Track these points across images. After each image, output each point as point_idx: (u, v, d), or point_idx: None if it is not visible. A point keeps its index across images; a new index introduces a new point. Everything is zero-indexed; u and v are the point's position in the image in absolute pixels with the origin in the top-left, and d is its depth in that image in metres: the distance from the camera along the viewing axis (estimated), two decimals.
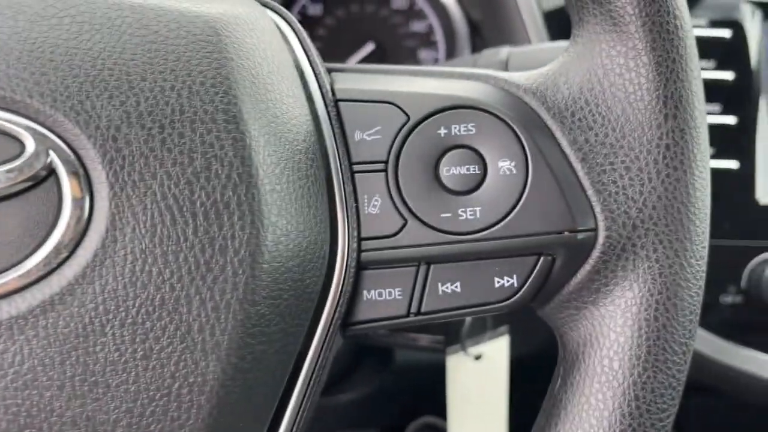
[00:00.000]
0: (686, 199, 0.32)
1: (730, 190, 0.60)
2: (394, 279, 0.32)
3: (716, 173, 0.60)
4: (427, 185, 0.32)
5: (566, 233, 0.32)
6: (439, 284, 0.32)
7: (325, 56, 0.86)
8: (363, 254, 0.32)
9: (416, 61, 0.80)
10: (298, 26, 0.35)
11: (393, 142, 0.32)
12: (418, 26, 0.80)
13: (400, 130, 0.33)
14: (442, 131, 0.32)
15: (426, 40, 0.79)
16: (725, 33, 0.62)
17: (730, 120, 0.61)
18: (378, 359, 0.72)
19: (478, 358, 0.55)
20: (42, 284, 0.26)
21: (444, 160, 0.32)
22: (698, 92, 0.32)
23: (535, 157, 0.32)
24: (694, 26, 0.63)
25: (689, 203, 0.32)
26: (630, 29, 0.31)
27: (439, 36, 0.79)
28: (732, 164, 0.61)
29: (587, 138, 0.32)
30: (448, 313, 0.33)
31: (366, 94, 0.33)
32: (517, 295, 0.32)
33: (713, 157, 0.60)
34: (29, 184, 0.27)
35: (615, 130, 0.32)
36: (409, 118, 0.33)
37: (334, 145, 0.32)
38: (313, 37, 0.79)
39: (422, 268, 0.32)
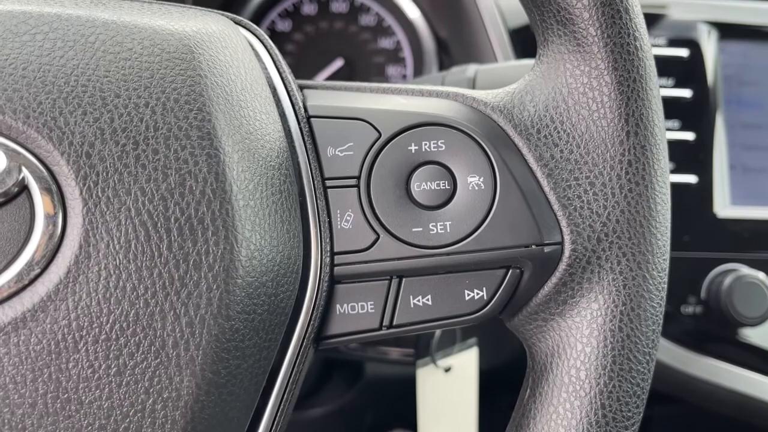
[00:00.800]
0: (648, 213, 0.33)
1: (690, 203, 0.62)
2: (366, 293, 0.33)
3: (676, 187, 0.62)
4: (399, 200, 0.33)
5: (533, 246, 0.32)
6: (411, 297, 0.33)
7: (294, 72, 0.87)
8: (336, 268, 0.32)
9: (384, 76, 0.81)
10: (270, 43, 0.36)
11: (365, 158, 0.33)
12: (386, 43, 0.81)
13: (372, 146, 0.33)
14: (413, 147, 0.33)
15: (394, 56, 0.81)
16: (683, 52, 0.64)
17: (689, 136, 0.63)
18: (348, 373, 0.72)
19: (447, 370, 0.56)
20: (14, 301, 0.26)
21: (415, 175, 0.33)
22: (658, 110, 0.34)
23: (503, 173, 0.33)
24: (653, 45, 0.65)
25: (651, 217, 0.33)
26: (593, 50, 0.33)
27: (407, 52, 0.80)
28: (691, 179, 0.63)
29: (552, 154, 0.33)
30: (420, 326, 0.33)
31: (338, 111, 0.34)
32: (487, 307, 0.33)
33: (673, 172, 0.62)
34: (1, 200, 0.27)
35: (579, 147, 0.33)
36: (380, 135, 0.33)
37: (307, 161, 0.33)
38: (282, 53, 0.79)
39: (394, 282, 0.33)
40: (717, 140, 0.64)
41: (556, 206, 0.33)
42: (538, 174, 0.33)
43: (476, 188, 0.33)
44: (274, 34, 0.79)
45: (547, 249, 0.33)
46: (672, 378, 0.61)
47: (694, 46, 0.65)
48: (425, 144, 0.33)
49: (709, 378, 0.61)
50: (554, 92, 0.34)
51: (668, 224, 0.34)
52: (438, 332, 0.57)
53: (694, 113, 0.64)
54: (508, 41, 0.64)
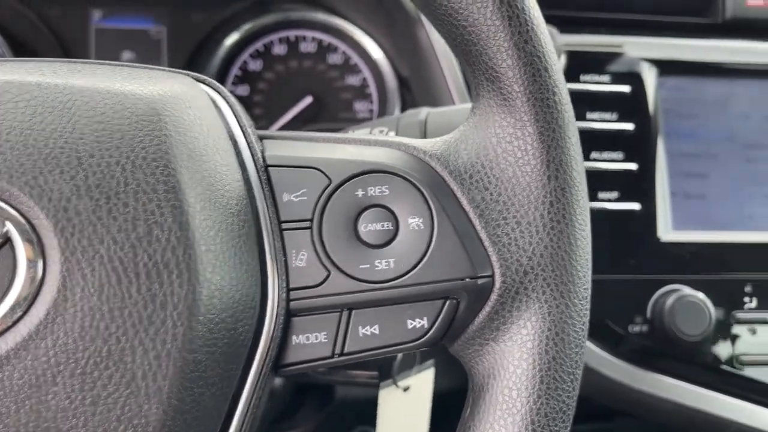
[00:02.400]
0: (569, 248, 0.37)
1: (634, 229, 0.67)
2: (319, 324, 0.37)
3: (621, 214, 0.67)
4: (348, 240, 0.37)
5: (467, 280, 0.36)
6: (360, 327, 0.37)
7: (266, 109, 0.91)
8: (292, 303, 0.36)
9: (352, 112, 0.85)
10: (232, 100, 0.39)
11: (317, 202, 0.37)
12: (353, 80, 0.85)
13: (324, 192, 0.37)
14: (360, 192, 0.37)
15: (361, 92, 0.85)
16: (625, 88, 0.69)
17: (632, 166, 0.68)
18: (320, 396, 0.75)
19: (406, 389, 0.59)
20: None
21: (362, 217, 0.37)
22: (576, 156, 0.38)
23: (440, 215, 0.37)
24: (598, 82, 0.70)
25: (571, 251, 0.37)
26: (517, 104, 0.37)
27: (372, 89, 0.84)
28: (635, 206, 0.67)
29: (483, 197, 0.37)
30: (368, 353, 0.37)
31: (293, 161, 0.38)
32: (428, 335, 0.37)
33: (617, 200, 0.67)
34: None
35: (507, 190, 0.37)
36: (331, 182, 0.37)
37: (265, 207, 0.37)
38: (254, 92, 0.84)
39: (344, 314, 0.37)
40: (659, 169, 0.69)
41: (487, 243, 0.37)
42: (471, 215, 0.37)
43: (416, 228, 0.37)
44: (246, 74, 0.83)
45: (479, 281, 0.36)
46: (621, 394, 0.65)
47: (635, 82, 0.70)
48: (371, 189, 0.37)
49: (656, 392, 0.65)
50: (485, 141, 0.38)
51: (588, 257, 0.38)
52: (399, 355, 0.61)
53: (637, 145, 0.68)
54: (462, 81, 0.69)
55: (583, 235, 0.38)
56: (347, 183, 0.37)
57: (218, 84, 0.40)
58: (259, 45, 0.84)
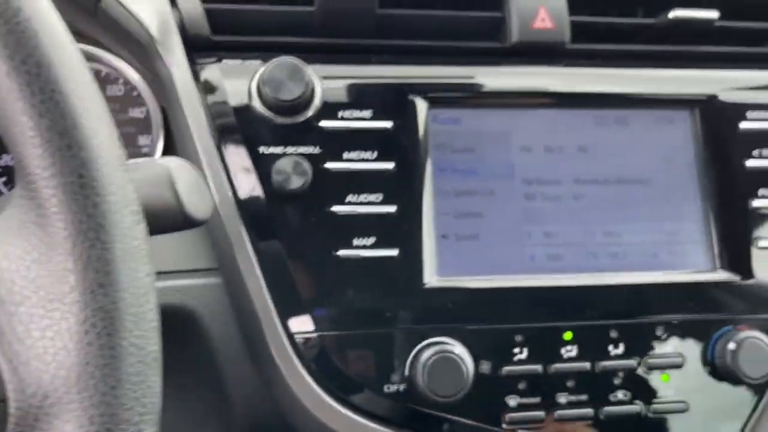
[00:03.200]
0: (101, 362, 0.31)
1: (393, 277, 0.61)
2: None
3: (377, 261, 0.61)
4: None
5: None
6: None
7: None
8: None
9: (136, 147, 0.78)
10: None
11: None
12: (136, 113, 0.78)
13: None
14: None
15: (146, 126, 0.78)
16: (387, 124, 0.63)
17: (391, 209, 0.62)
18: None
19: None
20: None
21: None
22: (117, 247, 0.32)
23: None
24: (358, 118, 0.64)
25: (106, 367, 0.31)
26: (38, 188, 0.31)
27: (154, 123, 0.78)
28: (393, 252, 0.61)
29: (2, 304, 0.31)
30: None
31: None
32: None
33: (372, 246, 0.61)
34: None
35: (31, 295, 0.31)
36: None
37: None
38: None
39: None
40: (425, 210, 0.63)
41: (1, 361, 0.31)
42: None
43: None
44: None
45: None
46: None
47: (400, 116, 0.64)
48: None
49: None
50: (12, 232, 0.32)
51: (140, 370, 0.32)
52: None
53: (398, 185, 0.62)
54: (207, 128, 0.63)
55: (125, 345, 0.32)
56: None
57: None
58: None
